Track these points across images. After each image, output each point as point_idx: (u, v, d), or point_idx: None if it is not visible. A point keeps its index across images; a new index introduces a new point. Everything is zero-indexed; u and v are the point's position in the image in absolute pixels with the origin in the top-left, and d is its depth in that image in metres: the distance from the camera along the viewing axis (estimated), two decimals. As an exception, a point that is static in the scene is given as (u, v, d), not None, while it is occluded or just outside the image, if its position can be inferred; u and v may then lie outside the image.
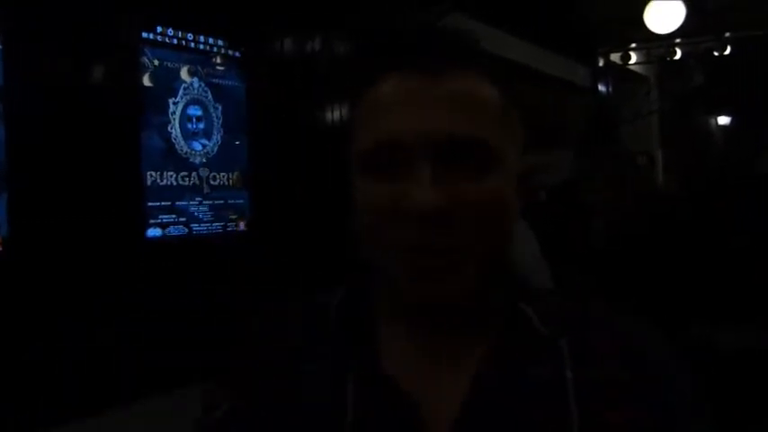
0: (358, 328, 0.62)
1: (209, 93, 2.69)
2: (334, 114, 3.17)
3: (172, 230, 2.52)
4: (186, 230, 2.58)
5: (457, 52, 0.58)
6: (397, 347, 0.61)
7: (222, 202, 2.73)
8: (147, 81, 2.46)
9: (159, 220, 2.48)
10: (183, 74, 2.60)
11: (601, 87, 6.49)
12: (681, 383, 0.61)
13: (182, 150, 2.58)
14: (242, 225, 2.81)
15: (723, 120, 8.98)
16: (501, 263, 0.61)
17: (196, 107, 2.64)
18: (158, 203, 2.48)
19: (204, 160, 2.66)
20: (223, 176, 2.74)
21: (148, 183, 2.45)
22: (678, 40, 6.05)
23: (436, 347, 0.60)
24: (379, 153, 0.56)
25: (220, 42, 2.74)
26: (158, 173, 2.48)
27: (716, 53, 6.00)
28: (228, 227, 2.76)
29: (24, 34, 2.10)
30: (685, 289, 2.38)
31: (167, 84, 2.54)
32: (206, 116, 2.68)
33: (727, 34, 5.88)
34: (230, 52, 2.78)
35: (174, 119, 2.55)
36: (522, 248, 2.00)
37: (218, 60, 2.74)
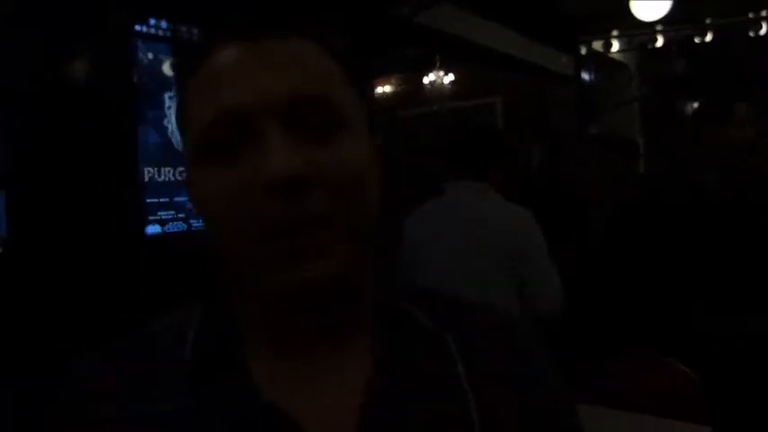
0: (222, 352, 0.54)
1: (203, 86, 2.64)
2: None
3: (171, 227, 2.48)
4: (185, 226, 2.54)
5: (278, 18, 0.55)
6: (269, 367, 0.54)
7: (220, 196, 2.69)
8: (140, 75, 2.41)
9: (158, 217, 2.44)
10: (177, 67, 2.55)
11: (584, 76, 6.53)
12: (555, 378, 0.63)
13: (179, 145, 2.54)
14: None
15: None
16: (370, 248, 0.56)
17: (191, 101, 2.59)
18: (157, 200, 2.44)
19: (201, 154, 2.62)
20: (221, 171, 2.70)
21: (146, 179, 2.40)
22: (659, 28, 6.09)
23: (312, 357, 0.55)
24: (216, 132, 0.50)
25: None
26: (156, 168, 2.44)
27: (696, 40, 6.06)
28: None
29: (15, 29, 2.04)
30: (684, 277, 2.40)
31: (162, 77, 2.49)
32: (201, 110, 2.63)
33: (708, 21, 5.93)
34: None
35: (170, 113, 2.50)
36: (531, 237, 2.00)
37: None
